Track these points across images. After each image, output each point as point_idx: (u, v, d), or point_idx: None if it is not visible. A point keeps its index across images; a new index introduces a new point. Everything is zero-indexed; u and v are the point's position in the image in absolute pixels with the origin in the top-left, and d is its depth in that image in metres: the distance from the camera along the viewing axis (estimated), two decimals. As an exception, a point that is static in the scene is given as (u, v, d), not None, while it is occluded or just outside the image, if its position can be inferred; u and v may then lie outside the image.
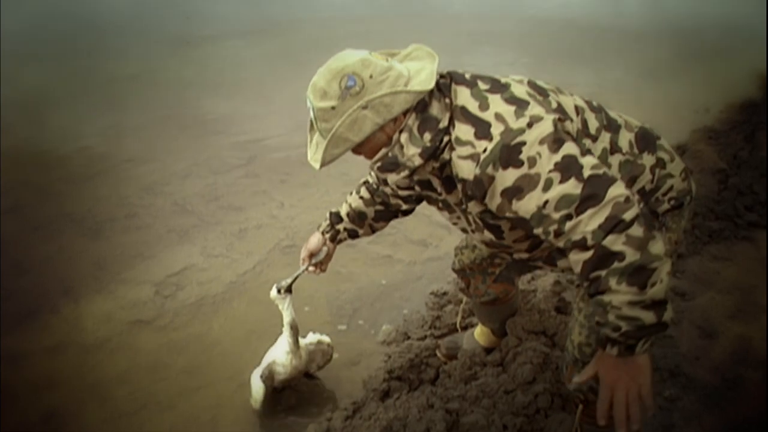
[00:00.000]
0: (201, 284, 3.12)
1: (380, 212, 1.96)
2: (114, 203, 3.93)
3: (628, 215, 1.29)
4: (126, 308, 2.96)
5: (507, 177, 1.36)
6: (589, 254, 1.31)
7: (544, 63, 6.54)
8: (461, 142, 1.41)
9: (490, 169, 1.36)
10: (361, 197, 1.96)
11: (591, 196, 1.30)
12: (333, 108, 1.42)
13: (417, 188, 1.72)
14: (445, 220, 3.47)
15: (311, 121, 1.51)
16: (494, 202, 1.42)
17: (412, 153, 1.44)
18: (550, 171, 1.33)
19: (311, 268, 2.03)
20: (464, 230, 1.79)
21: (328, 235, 2.02)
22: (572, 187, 1.31)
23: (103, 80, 6.38)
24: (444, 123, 1.43)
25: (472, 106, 1.43)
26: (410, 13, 8.86)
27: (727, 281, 2.85)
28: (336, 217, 2.01)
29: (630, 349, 1.34)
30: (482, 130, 1.38)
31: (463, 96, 1.45)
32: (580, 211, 1.31)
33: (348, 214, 1.98)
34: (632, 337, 1.32)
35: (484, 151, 1.37)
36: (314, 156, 1.51)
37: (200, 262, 3.30)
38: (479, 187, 1.41)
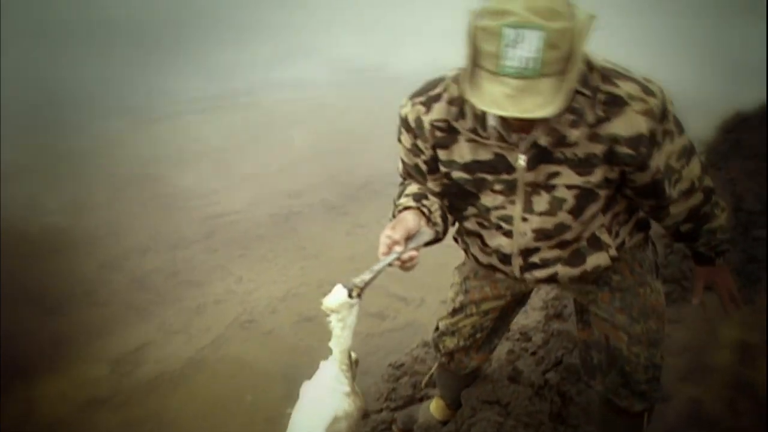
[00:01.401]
0: (158, 361, 3.11)
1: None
2: (72, 279, 3.90)
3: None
4: (82, 387, 2.93)
5: (668, 131, 1.51)
6: (700, 196, 1.64)
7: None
8: (634, 98, 1.41)
9: (665, 123, 1.47)
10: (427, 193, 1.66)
11: (691, 146, 1.59)
12: (568, 28, 1.21)
13: (472, 174, 1.57)
14: (402, 291, 3.58)
15: (505, 74, 1.23)
16: (655, 161, 1.50)
17: (590, 105, 1.41)
18: (675, 125, 1.52)
19: (412, 253, 1.46)
20: (502, 221, 1.62)
21: (425, 209, 1.58)
22: (685, 139, 1.56)
23: (63, 154, 6.34)
24: (595, 81, 1.40)
25: (622, 70, 1.45)
26: (375, 82, 8.86)
27: (678, 343, 2.92)
28: (418, 196, 1.61)
29: (728, 253, 1.78)
30: (646, 88, 1.43)
31: (601, 61, 1.43)
32: (689, 159, 1.59)
33: (426, 195, 1.64)
34: (730, 242, 1.76)
35: (656, 106, 1.42)
36: (544, 100, 1.23)
37: (158, 339, 3.30)
38: (652, 141, 1.45)
